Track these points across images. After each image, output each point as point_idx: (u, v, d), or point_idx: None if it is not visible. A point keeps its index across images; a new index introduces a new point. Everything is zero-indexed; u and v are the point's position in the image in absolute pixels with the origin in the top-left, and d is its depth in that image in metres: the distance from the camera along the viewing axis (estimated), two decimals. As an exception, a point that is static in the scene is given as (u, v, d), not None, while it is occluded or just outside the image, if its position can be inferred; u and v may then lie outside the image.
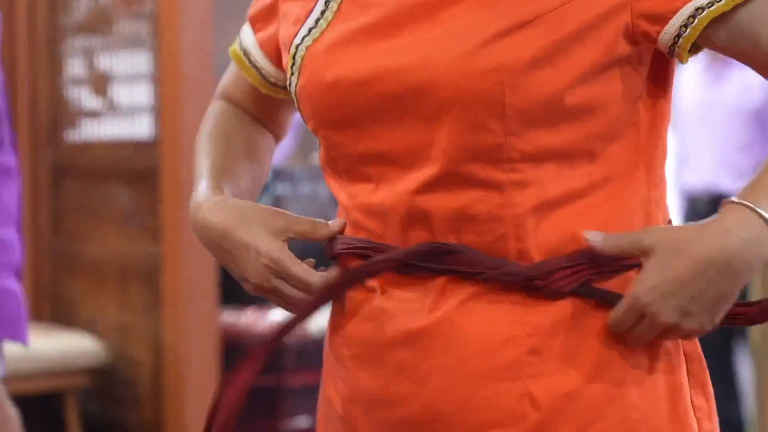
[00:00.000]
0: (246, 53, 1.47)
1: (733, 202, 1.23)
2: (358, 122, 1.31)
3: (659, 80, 1.34)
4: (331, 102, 1.32)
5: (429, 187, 1.28)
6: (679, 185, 5.00)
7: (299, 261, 1.33)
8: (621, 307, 1.24)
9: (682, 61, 1.30)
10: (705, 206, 4.45)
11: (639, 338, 1.26)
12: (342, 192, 1.36)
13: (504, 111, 1.24)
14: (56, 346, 3.46)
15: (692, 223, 1.25)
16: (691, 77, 4.83)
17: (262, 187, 1.52)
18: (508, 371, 1.27)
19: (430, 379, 1.29)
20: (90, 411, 3.66)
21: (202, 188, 1.41)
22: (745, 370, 4.55)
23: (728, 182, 4.67)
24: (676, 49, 1.27)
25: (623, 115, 1.29)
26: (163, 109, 3.46)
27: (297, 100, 1.37)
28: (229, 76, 1.53)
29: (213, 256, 1.40)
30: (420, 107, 1.27)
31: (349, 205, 1.35)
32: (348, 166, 1.34)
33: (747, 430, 4.33)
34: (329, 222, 1.36)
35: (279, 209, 1.38)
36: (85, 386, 3.54)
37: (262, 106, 1.52)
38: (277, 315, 3.72)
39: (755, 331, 3.79)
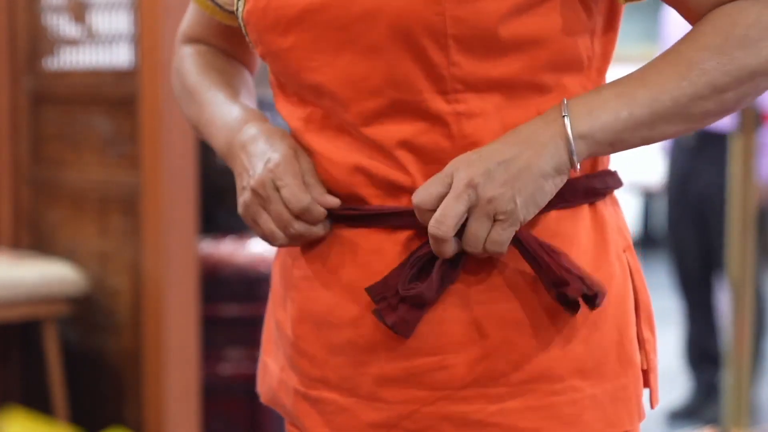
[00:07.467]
0: None
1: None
2: (301, 51, 1.30)
3: (616, 14, 1.34)
4: (277, 30, 1.31)
5: (373, 118, 1.28)
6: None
7: (308, 181, 1.32)
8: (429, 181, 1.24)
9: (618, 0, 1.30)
10: (690, 138, 4.43)
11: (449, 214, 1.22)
12: (293, 117, 1.36)
13: (446, 42, 1.23)
14: (35, 274, 3.45)
15: None
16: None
17: None
18: (455, 298, 1.28)
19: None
20: (69, 339, 3.66)
21: (240, 112, 1.41)
22: (723, 303, 4.59)
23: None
24: None
25: (572, 48, 1.28)
26: (142, 37, 3.43)
27: (244, 26, 1.37)
28: (188, 20, 1.55)
29: (228, 161, 1.40)
30: (362, 37, 1.26)
31: (301, 129, 1.34)
32: (296, 91, 1.34)
33: (723, 363, 4.36)
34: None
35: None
36: (64, 314, 3.54)
37: (228, 39, 1.52)
38: (257, 245, 3.72)
39: (734, 265, 3.82)
